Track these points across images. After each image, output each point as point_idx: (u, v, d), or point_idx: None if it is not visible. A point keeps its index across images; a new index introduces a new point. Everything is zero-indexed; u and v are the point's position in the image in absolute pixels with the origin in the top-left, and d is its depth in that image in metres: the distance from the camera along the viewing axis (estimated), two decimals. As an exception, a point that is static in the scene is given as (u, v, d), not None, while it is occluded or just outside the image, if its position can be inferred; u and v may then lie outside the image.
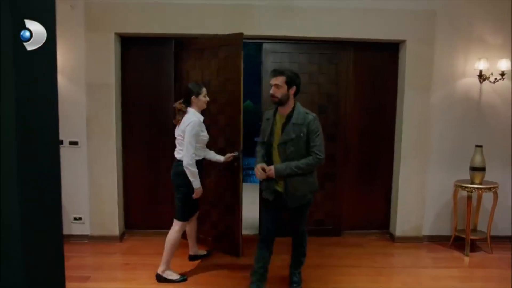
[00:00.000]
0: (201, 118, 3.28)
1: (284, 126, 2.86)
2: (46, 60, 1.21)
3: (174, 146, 4.39)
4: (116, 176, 4.10)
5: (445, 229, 4.34)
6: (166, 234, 4.09)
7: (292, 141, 2.81)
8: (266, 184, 2.97)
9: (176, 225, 3.30)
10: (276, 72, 2.87)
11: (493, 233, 4.14)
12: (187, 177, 3.16)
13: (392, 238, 4.40)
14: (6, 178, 1.03)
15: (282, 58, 4.29)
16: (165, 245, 3.28)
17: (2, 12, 1.04)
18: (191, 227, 3.63)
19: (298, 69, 4.24)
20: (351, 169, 4.41)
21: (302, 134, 2.80)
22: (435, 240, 4.33)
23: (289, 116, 2.86)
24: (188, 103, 3.29)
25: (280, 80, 2.82)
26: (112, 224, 4.14)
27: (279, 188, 2.92)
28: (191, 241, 3.70)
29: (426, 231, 4.36)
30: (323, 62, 4.30)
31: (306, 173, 2.87)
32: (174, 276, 3.31)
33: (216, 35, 3.84)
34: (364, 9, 4.03)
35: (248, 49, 4.82)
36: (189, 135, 3.12)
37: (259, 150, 3.03)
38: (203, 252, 3.76)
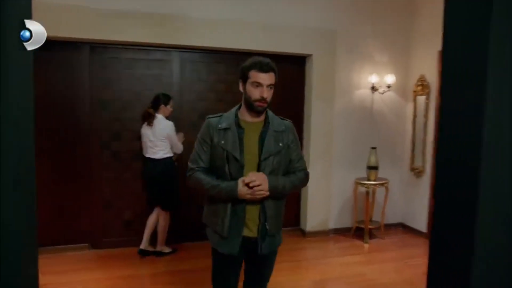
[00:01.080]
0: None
1: (262, 135, 2.06)
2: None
3: (88, 156, 4.17)
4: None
5: (347, 222, 4.94)
6: (78, 248, 3.96)
7: (278, 153, 2.04)
8: (233, 230, 2.03)
9: (166, 214, 3.97)
10: (270, 68, 1.99)
11: (384, 221, 4.86)
12: (173, 170, 3.88)
13: (303, 233, 4.84)
14: (7, 181, 1.02)
15: (200, 67, 4.42)
16: (159, 230, 3.99)
17: (2, 12, 1.03)
18: (153, 220, 3.98)
19: (217, 78, 4.43)
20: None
21: (287, 144, 2.09)
22: (339, 232, 4.90)
23: (266, 123, 2.09)
24: (156, 110, 3.82)
25: (274, 78, 2.01)
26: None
27: (249, 231, 2.07)
28: (147, 233, 3.96)
29: (331, 225, 4.90)
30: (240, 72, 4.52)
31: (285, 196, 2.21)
32: (168, 249, 4.07)
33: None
34: (275, 25, 4.37)
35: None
36: (173, 135, 3.83)
37: (204, 178, 2.03)
38: (151, 248, 4.01)
